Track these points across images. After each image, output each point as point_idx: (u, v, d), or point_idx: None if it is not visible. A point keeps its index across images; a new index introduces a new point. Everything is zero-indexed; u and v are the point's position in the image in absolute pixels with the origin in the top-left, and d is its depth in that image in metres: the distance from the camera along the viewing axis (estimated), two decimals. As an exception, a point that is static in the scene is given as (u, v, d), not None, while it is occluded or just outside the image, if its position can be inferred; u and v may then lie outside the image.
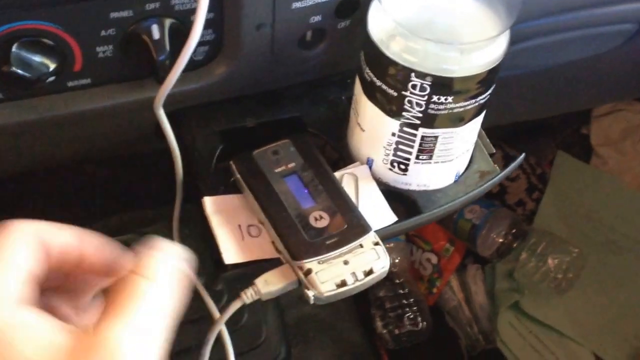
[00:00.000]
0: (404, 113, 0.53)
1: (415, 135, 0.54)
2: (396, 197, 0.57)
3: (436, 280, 1.28)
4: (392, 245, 1.22)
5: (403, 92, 0.52)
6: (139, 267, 0.38)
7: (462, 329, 1.25)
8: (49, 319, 0.36)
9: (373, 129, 0.56)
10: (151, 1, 0.50)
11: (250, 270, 0.52)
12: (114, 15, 0.49)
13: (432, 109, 0.52)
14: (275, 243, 0.52)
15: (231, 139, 0.60)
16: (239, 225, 0.53)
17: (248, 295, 0.51)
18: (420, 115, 0.53)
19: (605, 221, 1.30)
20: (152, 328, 0.37)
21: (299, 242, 0.51)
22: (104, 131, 0.61)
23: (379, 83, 0.53)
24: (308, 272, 0.49)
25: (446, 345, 1.25)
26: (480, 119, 0.56)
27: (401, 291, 1.21)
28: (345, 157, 0.60)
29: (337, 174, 0.56)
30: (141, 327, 0.36)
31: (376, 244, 0.51)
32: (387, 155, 0.56)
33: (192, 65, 0.54)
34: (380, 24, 0.52)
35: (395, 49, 0.51)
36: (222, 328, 0.56)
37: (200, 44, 0.53)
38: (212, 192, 0.55)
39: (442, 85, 0.51)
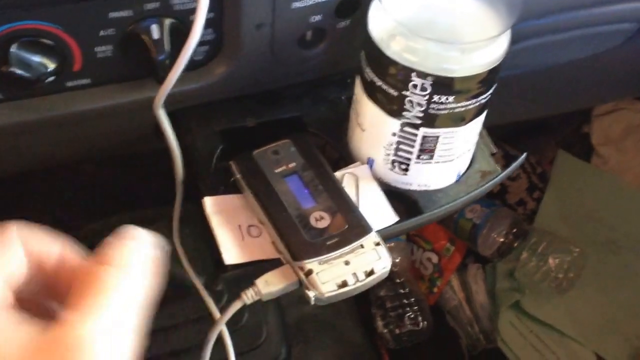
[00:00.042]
0: (404, 113, 0.53)
1: (416, 135, 0.54)
2: (397, 197, 0.57)
3: (437, 280, 1.28)
4: (392, 244, 1.22)
5: (404, 92, 0.52)
6: (111, 257, 0.36)
7: (462, 329, 1.25)
8: (19, 318, 0.34)
9: (373, 129, 0.56)
10: (151, 1, 0.50)
11: (251, 271, 0.52)
12: (113, 15, 0.49)
13: (433, 108, 0.52)
14: (276, 243, 0.52)
15: (231, 138, 0.60)
16: (239, 226, 0.53)
17: (248, 296, 0.50)
18: (421, 115, 0.53)
19: (606, 220, 1.29)
20: (126, 321, 0.35)
21: (300, 242, 0.50)
22: (103, 131, 0.61)
23: (379, 83, 0.53)
24: (309, 273, 0.49)
25: (447, 344, 1.25)
26: (481, 118, 0.56)
27: (402, 291, 1.20)
28: (345, 157, 0.60)
29: (337, 174, 0.56)
30: (114, 322, 0.34)
31: (377, 244, 0.51)
32: (388, 155, 0.56)
33: (192, 65, 0.54)
34: (380, 24, 0.52)
35: (395, 49, 0.51)
36: (222, 328, 0.56)
37: (200, 43, 0.53)
38: (212, 192, 0.55)
39: (443, 85, 0.51)
